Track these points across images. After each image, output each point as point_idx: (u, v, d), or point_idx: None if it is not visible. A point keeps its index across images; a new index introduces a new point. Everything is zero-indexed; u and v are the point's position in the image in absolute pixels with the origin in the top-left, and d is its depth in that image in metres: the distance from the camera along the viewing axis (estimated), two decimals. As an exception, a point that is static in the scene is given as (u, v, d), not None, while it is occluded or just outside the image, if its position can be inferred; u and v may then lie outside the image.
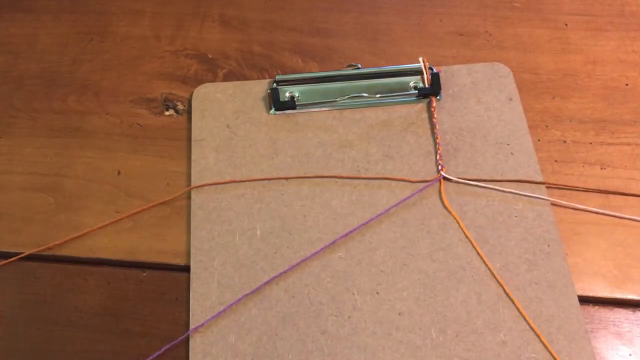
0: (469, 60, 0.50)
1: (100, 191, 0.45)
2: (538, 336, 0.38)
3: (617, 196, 0.43)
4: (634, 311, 0.39)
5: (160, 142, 0.47)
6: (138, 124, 0.48)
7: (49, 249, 0.42)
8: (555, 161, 0.45)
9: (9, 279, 0.42)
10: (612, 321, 0.39)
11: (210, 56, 0.52)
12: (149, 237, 0.43)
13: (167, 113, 0.49)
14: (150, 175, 0.45)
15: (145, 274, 0.42)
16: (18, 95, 0.50)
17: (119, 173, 0.46)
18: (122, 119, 0.48)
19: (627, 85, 0.49)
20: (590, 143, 0.46)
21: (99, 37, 0.54)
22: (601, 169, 0.44)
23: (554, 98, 0.48)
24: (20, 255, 0.42)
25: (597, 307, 0.40)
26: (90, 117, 0.49)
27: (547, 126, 0.47)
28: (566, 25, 0.52)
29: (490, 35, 0.52)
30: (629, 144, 0.46)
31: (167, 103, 0.49)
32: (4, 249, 0.43)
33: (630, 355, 0.38)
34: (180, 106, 0.49)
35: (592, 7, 0.53)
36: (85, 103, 0.49)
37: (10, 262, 0.42)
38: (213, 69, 0.51)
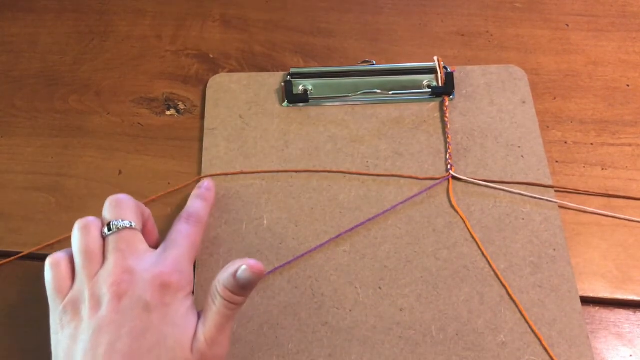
0: (470, 61, 0.50)
1: (101, 191, 0.45)
2: (538, 339, 0.37)
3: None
4: (635, 312, 0.39)
5: (161, 142, 0.47)
6: (139, 124, 0.48)
7: (50, 247, 0.42)
8: (557, 162, 0.45)
9: (9, 278, 0.41)
10: (612, 322, 0.39)
11: (211, 56, 0.52)
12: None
13: (168, 113, 0.49)
14: (151, 175, 0.45)
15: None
16: (19, 95, 0.50)
17: (120, 173, 0.46)
18: (123, 119, 0.48)
19: (628, 86, 0.49)
20: (592, 144, 0.46)
21: (100, 37, 0.54)
22: (602, 169, 0.44)
23: (555, 99, 0.48)
24: (21, 255, 0.42)
25: (597, 307, 0.40)
26: (91, 116, 0.49)
27: (548, 127, 0.47)
28: (567, 25, 0.52)
29: (492, 35, 0.52)
30: (630, 145, 0.46)
31: (168, 103, 0.49)
32: (4, 248, 0.43)
33: (630, 356, 0.38)
34: (181, 106, 0.49)
35: (593, 7, 0.53)
36: (87, 103, 0.49)
37: (10, 261, 0.42)
38: (214, 68, 0.51)
